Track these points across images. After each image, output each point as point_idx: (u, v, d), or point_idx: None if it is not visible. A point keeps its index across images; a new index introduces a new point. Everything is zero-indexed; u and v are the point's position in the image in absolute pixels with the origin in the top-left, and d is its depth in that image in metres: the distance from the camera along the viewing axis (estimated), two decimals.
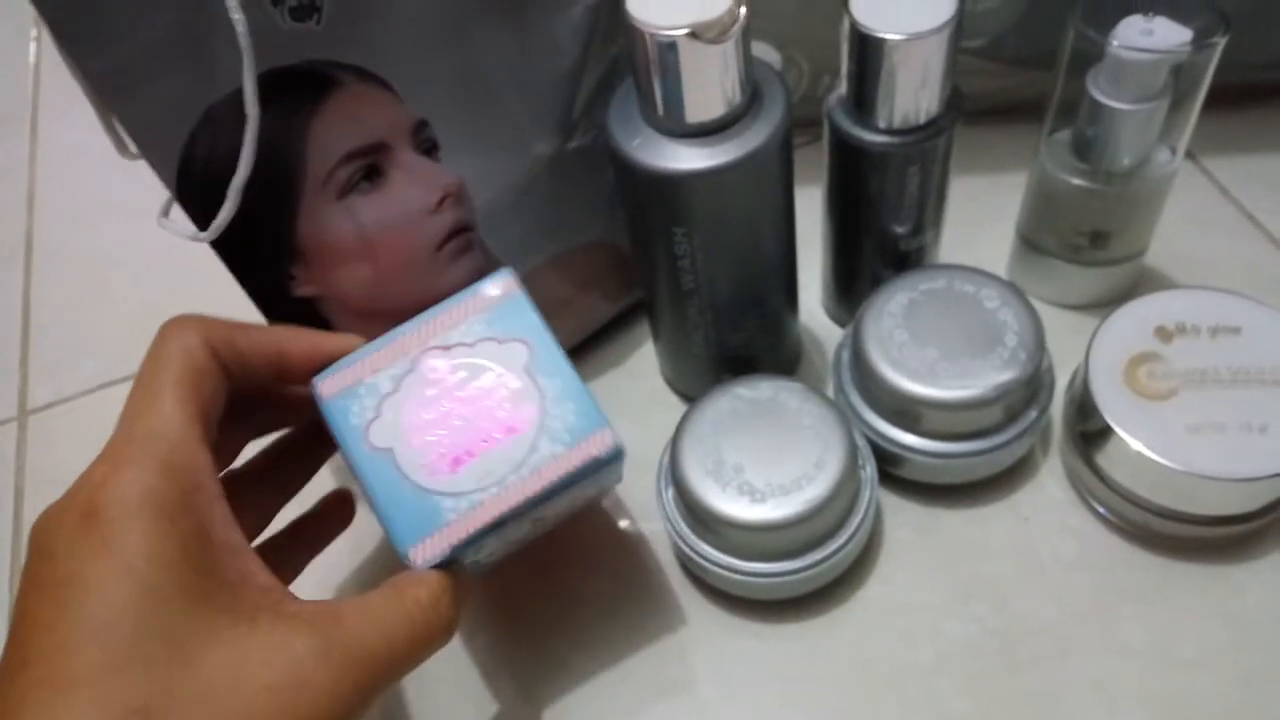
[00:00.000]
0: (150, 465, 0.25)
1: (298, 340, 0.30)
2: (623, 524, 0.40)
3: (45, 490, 0.45)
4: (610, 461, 0.30)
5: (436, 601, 0.27)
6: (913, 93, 0.34)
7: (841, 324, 0.45)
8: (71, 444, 0.47)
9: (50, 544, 0.24)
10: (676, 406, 0.43)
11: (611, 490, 0.37)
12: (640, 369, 0.45)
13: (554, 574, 0.39)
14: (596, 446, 0.30)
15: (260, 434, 0.33)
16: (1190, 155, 0.48)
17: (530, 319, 0.31)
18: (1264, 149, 0.49)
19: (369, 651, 0.25)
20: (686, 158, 0.32)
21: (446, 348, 0.31)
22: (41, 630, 0.23)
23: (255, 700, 0.23)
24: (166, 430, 0.26)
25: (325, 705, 0.24)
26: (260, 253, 0.34)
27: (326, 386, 0.30)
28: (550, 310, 0.42)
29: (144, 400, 0.27)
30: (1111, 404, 0.35)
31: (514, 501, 0.29)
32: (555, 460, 0.29)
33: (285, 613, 0.25)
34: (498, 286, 0.32)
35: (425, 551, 0.28)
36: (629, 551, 0.39)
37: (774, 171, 0.34)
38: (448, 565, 0.29)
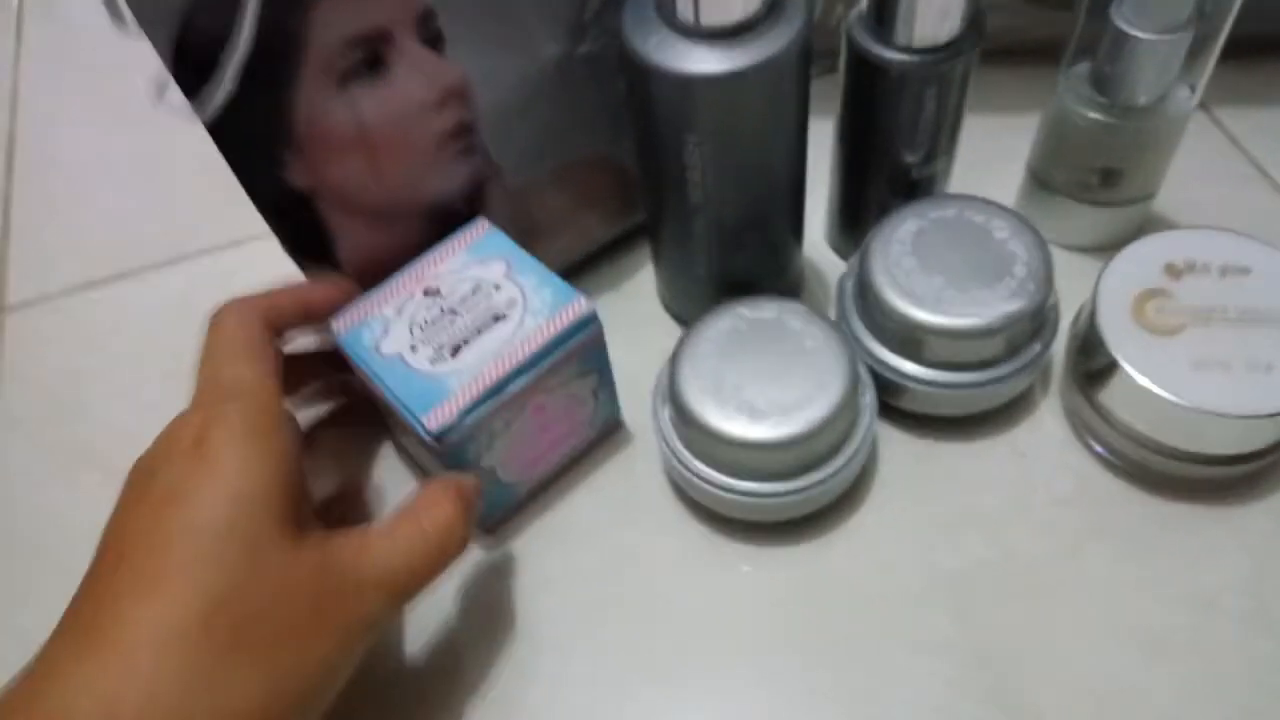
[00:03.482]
0: (246, 403, 0.30)
1: (313, 291, 0.36)
2: (615, 449, 0.40)
3: (22, 388, 0.45)
4: (587, 324, 0.35)
5: (451, 524, 0.31)
6: (936, 10, 0.34)
7: (845, 257, 0.45)
8: (50, 343, 0.46)
9: (153, 465, 0.28)
10: (674, 330, 0.43)
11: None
12: (638, 292, 0.44)
13: (544, 492, 0.38)
14: (573, 312, 0.34)
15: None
16: (1204, 106, 0.48)
17: (505, 242, 0.37)
18: (1275, 102, 0.48)
19: (392, 573, 0.29)
20: (703, 60, 0.31)
21: (438, 278, 0.36)
22: (137, 536, 0.27)
23: (301, 604, 0.27)
24: (250, 380, 0.31)
25: (356, 614, 0.28)
26: (256, 138, 0.32)
27: (341, 324, 0.35)
28: (548, 225, 0.41)
29: (221, 364, 0.31)
30: (1118, 337, 0.34)
31: (510, 365, 0.33)
32: (539, 329, 0.34)
33: (330, 537, 0.29)
34: (474, 228, 0.37)
35: (438, 417, 0.32)
36: (620, 473, 0.39)
37: (790, 81, 0.33)
38: (461, 464, 0.33)
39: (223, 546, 0.26)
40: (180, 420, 0.30)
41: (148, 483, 0.28)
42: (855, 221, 0.42)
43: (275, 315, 0.34)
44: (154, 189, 0.51)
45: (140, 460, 0.29)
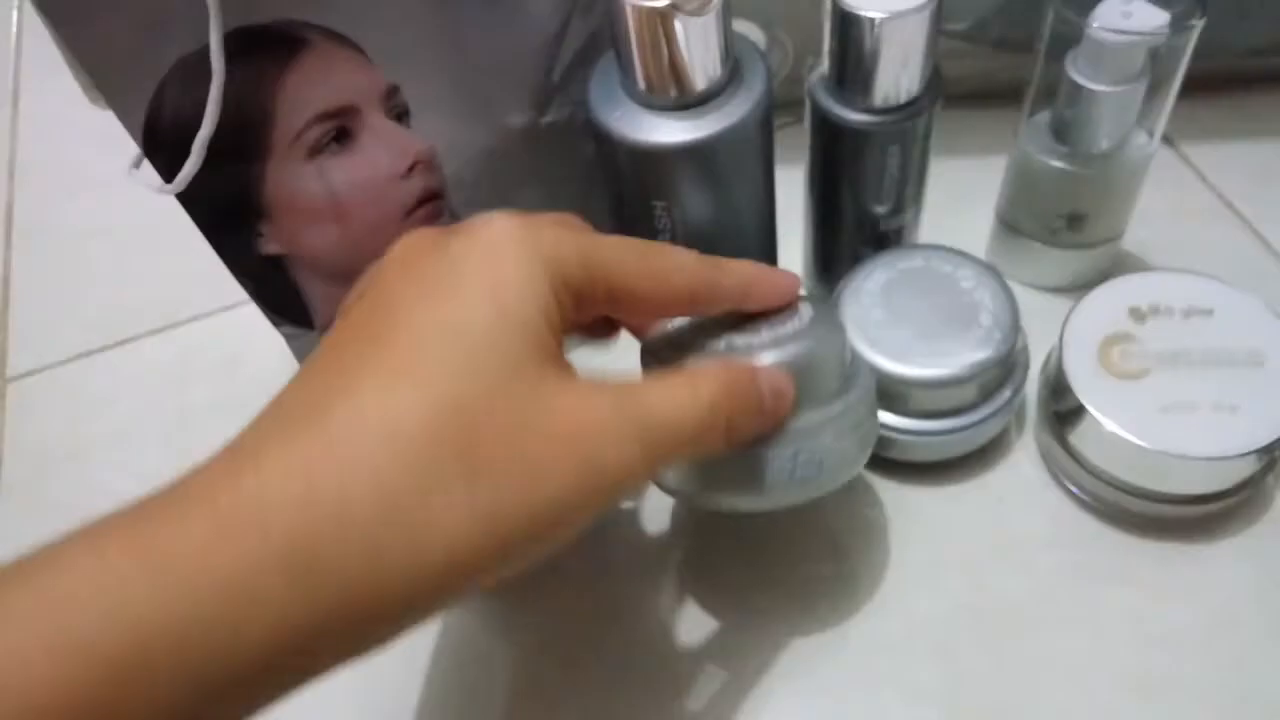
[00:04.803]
0: (547, 224, 0.27)
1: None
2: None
3: (24, 458, 0.46)
4: None
5: (717, 401, 0.27)
6: (894, 72, 0.34)
7: None
8: (51, 412, 0.47)
9: (426, 246, 0.26)
10: None
11: None
12: (619, 345, 0.45)
13: None
14: None
15: None
16: (1169, 142, 0.49)
17: None
18: (1242, 136, 0.49)
19: (655, 428, 0.26)
20: (667, 130, 0.32)
21: None
22: (387, 320, 0.24)
23: (555, 444, 0.24)
24: (565, 231, 0.27)
25: (605, 460, 0.25)
26: (228, 207, 0.34)
27: None
28: None
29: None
30: (1085, 383, 0.35)
31: None
32: None
33: (594, 381, 0.26)
34: None
35: None
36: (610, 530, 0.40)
37: (754, 146, 0.34)
38: None
39: (483, 356, 0.24)
40: (469, 221, 0.27)
41: (417, 262, 0.26)
42: (829, 270, 0.43)
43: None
44: (146, 256, 0.53)
45: (417, 237, 0.27)
